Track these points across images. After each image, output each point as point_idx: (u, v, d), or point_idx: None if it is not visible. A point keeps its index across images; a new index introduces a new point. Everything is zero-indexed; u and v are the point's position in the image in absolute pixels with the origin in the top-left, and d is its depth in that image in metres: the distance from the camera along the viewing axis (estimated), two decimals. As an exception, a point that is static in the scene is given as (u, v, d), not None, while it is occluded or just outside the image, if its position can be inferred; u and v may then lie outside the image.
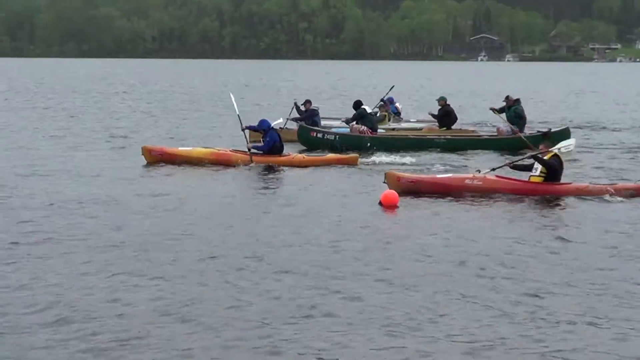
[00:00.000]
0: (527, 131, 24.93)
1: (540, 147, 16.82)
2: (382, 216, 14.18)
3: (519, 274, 10.60)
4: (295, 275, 10.31)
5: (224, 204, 15.16)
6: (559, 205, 15.43)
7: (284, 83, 77.38)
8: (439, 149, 23.66)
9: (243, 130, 20.82)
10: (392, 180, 16.09)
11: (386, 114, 28.09)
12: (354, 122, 24.43)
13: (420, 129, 26.60)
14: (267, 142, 20.08)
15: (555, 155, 16.25)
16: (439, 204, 15.27)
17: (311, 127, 24.09)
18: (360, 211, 14.48)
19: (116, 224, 13.20)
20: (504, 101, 25.01)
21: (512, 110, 24.70)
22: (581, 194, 15.94)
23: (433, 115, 26.77)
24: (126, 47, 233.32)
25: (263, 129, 20.29)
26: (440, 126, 26.23)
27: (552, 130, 24.07)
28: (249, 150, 19.97)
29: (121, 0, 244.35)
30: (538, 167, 16.26)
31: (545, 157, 16.22)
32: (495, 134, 25.25)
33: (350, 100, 31.66)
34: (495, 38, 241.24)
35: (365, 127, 24.13)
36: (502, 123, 25.30)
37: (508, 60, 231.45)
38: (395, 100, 30.29)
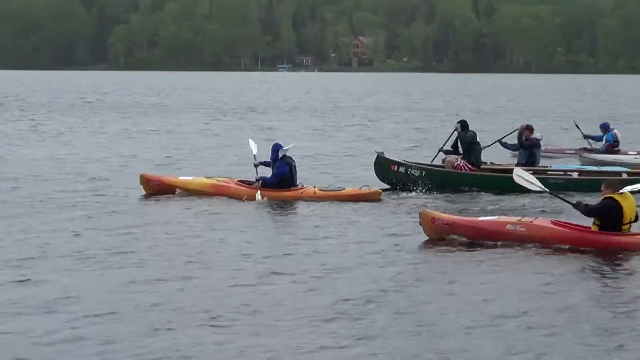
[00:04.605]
0: None
1: (602, 187, 14.89)
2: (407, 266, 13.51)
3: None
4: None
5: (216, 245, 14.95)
6: (611, 262, 13.82)
7: None
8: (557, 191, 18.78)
9: (255, 166, 20.01)
10: (426, 222, 15.37)
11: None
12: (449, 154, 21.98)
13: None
14: (275, 174, 19.56)
15: (610, 197, 14.37)
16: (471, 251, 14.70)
17: (392, 159, 21.45)
18: (381, 259, 13.90)
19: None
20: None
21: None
22: None
23: None
24: None
25: (272, 159, 19.73)
26: None
27: None
28: (257, 181, 19.56)
29: None
30: None
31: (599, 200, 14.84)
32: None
33: None
34: None
35: (464, 161, 21.24)
36: None
37: None
38: (611, 126, 27.99)
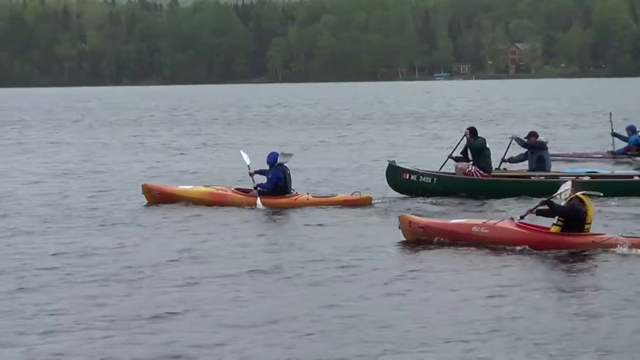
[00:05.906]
0: None
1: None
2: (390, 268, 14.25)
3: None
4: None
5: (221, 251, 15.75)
6: (571, 262, 14.31)
7: None
8: None
9: (251, 175, 20.82)
10: (404, 225, 16.12)
11: None
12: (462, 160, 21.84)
13: None
14: (270, 179, 20.29)
15: (577, 198, 14.79)
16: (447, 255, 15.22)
17: (402, 167, 21.65)
18: (366, 261, 14.67)
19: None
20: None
21: None
22: (610, 247, 14.70)
23: None
24: None
25: (268, 163, 20.62)
26: None
27: None
28: (255, 188, 20.31)
29: None
30: None
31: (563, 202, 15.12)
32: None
33: None
34: None
35: (474, 167, 20.98)
36: None
37: None
38: (637, 129, 28.53)
